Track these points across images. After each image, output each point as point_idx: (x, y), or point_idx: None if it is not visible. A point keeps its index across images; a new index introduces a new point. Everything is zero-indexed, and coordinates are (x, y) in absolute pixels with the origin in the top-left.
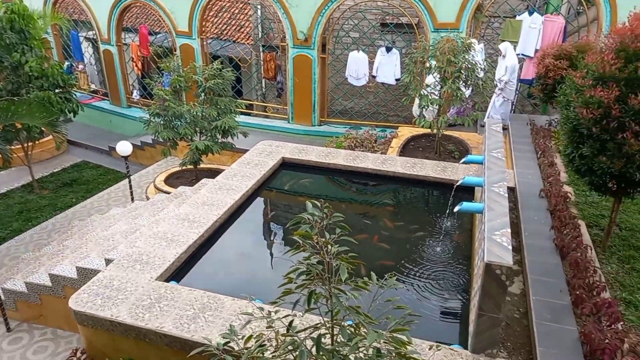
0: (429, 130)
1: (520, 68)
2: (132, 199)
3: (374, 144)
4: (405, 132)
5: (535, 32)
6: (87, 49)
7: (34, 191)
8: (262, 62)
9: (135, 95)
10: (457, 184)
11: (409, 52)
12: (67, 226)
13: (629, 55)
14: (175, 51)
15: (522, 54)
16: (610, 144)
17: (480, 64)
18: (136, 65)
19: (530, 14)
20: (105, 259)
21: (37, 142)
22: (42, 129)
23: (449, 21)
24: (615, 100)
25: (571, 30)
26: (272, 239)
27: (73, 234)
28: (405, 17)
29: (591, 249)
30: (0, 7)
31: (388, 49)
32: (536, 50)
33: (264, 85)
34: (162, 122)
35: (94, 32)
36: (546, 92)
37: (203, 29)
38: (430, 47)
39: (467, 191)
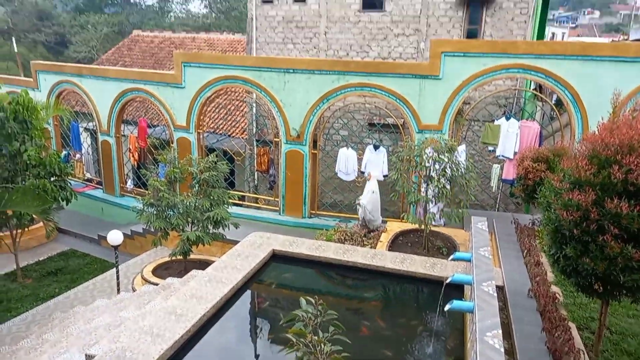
0: (416, 226)
1: (502, 169)
2: (118, 290)
3: (364, 238)
4: (394, 226)
5: (513, 136)
6: (85, 139)
7: (16, 280)
8: (255, 156)
9: (129, 184)
10: (447, 281)
11: (396, 150)
12: (48, 318)
13: (601, 162)
14: (172, 143)
15: (502, 156)
16: (592, 245)
17: (462, 163)
18: (133, 156)
19: (507, 119)
20: (85, 355)
21: (26, 229)
22: (34, 216)
23: (432, 123)
24: (593, 204)
25: (547, 134)
26: (262, 335)
27: (53, 327)
28: (391, 118)
29: (584, 354)
30: (5, 98)
31: (376, 147)
32: (515, 153)
33: (256, 177)
34: (155, 212)
35: (94, 123)
36: (527, 192)
37: (200, 123)
38: (416, 147)
39: (457, 288)
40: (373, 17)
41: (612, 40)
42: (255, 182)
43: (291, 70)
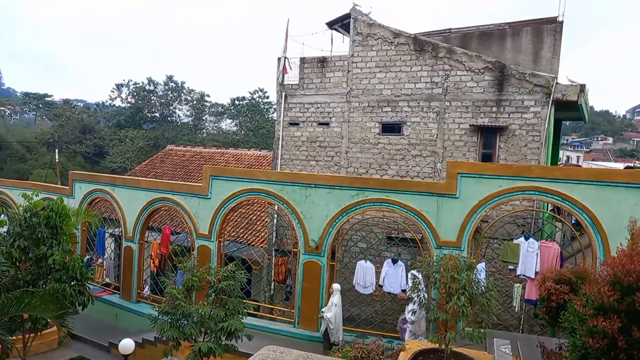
0: (436, 345)
1: (523, 288)
2: None
3: (381, 356)
4: (413, 345)
5: (533, 256)
6: (110, 244)
7: None
8: (273, 265)
9: (147, 290)
10: None
11: (414, 265)
12: None
13: (624, 288)
14: (192, 251)
15: (523, 275)
16: None
17: (482, 282)
18: (153, 262)
19: (527, 238)
20: None
21: (39, 333)
22: (48, 320)
23: (450, 240)
24: (619, 331)
25: (567, 255)
26: None
27: None
28: (409, 232)
29: None
30: (40, 205)
31: (394, 261)
32: (536, 272)
33: (273, 287)
34: (169, 321)
35: (120, 229)
36: (551, 314)
37: (222, 232)
38: (434, 264)
39: None
40: (392, 140)
41: (627, 166)
42: (272, 291)
43: (313, 185)
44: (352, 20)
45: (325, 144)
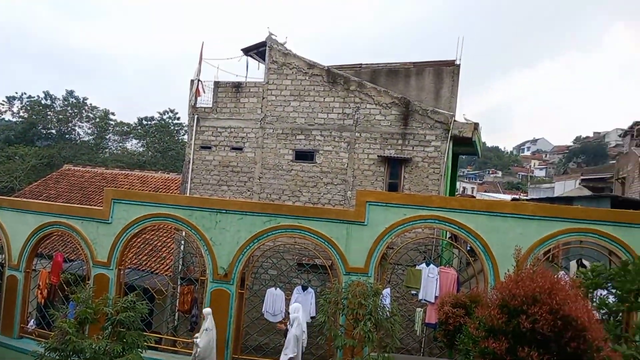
0: None
1: (424, 312)
2: None
3: None
4: None
5: (433, 281)
6: None
7: None
8: (178, 295)
9: (32, 324)
10: None
11: (324, 292)
12: None
13: (511, 311)
14: (88, 280)
15: (424, 300)
16: None
17: (387, 307)
18: (41, 293)
19: (428, 264)
20: None
21: None
22: None
23: (359, 266)
24: (507, 352)
25: (463, 279)
26: None
27: None
28: (320, 259)
29: None
30: None
31: (304, 288)
32: (436, 297)
33: (177, 318)
34: (57, 358)
35: (2, 256)
36: (448, 337)
37: (123, 260)
38: (343, 290)
39: None
40: (305, 167)
41: (513, 198)
42: (176, 322)
43: (223, 211)
44: (267, 48)
45: (238, 169)
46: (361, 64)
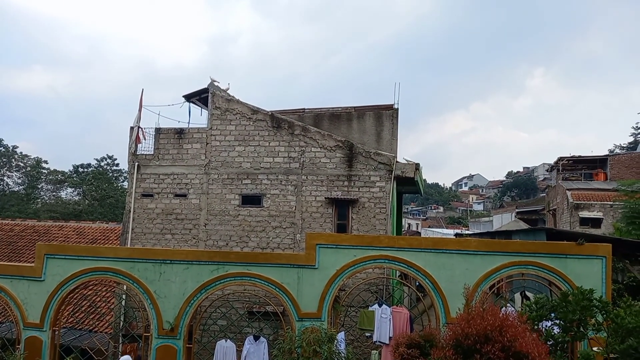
0: None
1: (379, 354)
2: None
3: None
4: None
5: (387, 322)
6: None
7: None
8: (120, 353)
9: None
10: None
11: (277, 341)
12: None
13: (464, 351)
14: (18, 344)
15: (379, 341)
16: None
17: (343, 352)
18: None
19: (380, 305)
20: None
21: None
22: None
23: (311, 311)
24: None
25: (415, 316)
26: None
27: None
28: (271, 306)
29: None
30: None
31: (256, 338)
32: (390, 338)
33: None
34: None
35: None
36: None
37: (57, 319)
38: (297, 338)
39: None
40: (252, 212)
41: (456, 233)
42: None
43: (168, 261)
44: (210, 94)
45: (183, 216)
46: (304, 109)
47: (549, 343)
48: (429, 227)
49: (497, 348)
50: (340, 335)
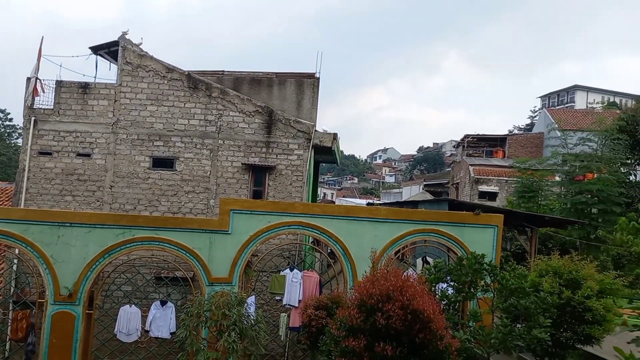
0: None
1: (289, 317)
2: None
3: None
4: None
5: (297, 285)
6: None
7: None
8: (10, 321)
9: None
10: None
11: (185, 305)
12: None
13: (368, 310)
14: None
15: (289, 304)
16: None
17: (252, 315)
18: None
19: (291, 270)
20: None
21: None
22: None
23: (222, 276)
24: (365, 349)
25: (324, 281)
26: None
27: None
28: (180, 271)
29: None
30: None
31: (163, 303)
32: (299, 301)
33: (8, 348)
34: None
35: None
36: (311, 339)
37: None
38: (206, 302)
39: None
40: (163, 175)
41: (368, 202)
42: (7, 353)
43: (67, 224)
44: (120, 48)
45: (86, 177)
46: (223, 71)
47: (443, 302)
48: (344, 197)
49: (397, 306)
50: (251, 299)
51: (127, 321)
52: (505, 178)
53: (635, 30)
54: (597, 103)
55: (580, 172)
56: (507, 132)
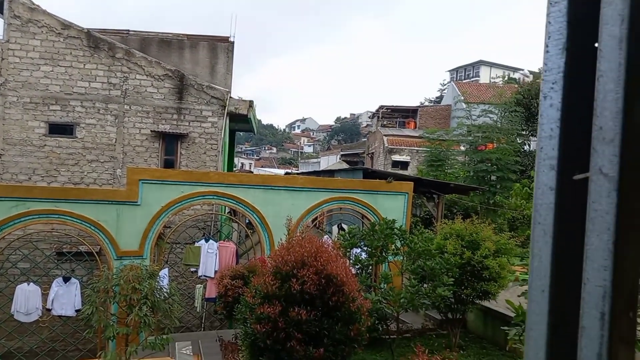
0: None
1: (204, 288)
2: None
3: None
4: None
5: (212, 256)
6: None
7: None
8: None
9: None
10: None
11: (91, 281)
12: None
13: (283, 276)
14: None
15: (204, 275)
16: (282, 353)
17: (165, 288)
18: None
19: (207, 240)
20: None
21: None
22: None
23: (132, 249)
24: (280, 314)
25: (243, 252)
26: None
27: None
28: (85, 245)
29: None
30: None
31: (66, 279)
32: (215, 272)
33: None
34: None
35: None
36: (228, 309)
37: None
38: (114, 276)
39: None
40: (62, 143)
41: (286, 172)
42: None
43: None
44: (6, 0)
45: None
46: (128, 31)
47: (357, 267)
48: (262, 167)
49: (312, 272)
50: (164, 272)
51: (26, 300)
52: (416, 148)
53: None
54: (499, 78)
55: (482, 142)
56: (419, 104)
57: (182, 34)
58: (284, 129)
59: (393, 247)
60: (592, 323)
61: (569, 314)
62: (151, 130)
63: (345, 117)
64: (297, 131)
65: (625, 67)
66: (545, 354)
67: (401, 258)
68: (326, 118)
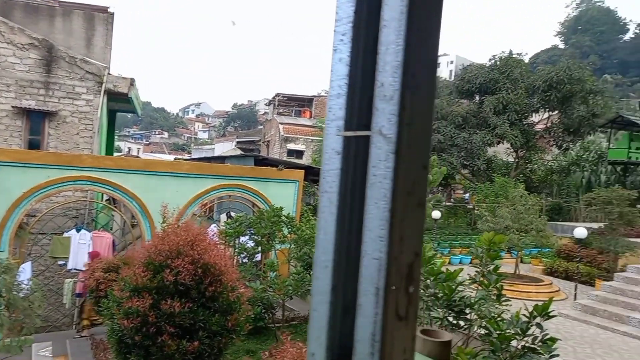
0: None
1: (75, 282)
2: None
3: None
4: None
5: (85, 248)
6: None
7: None
8: None
9: None
10: None
11: None
12: None
13: (156, 267)
14: None
15: (75, 269)
16: (153, 348)
17: (25, 283)
18: None
19: (78, 230)
20: None
21: None
22: None
23: None
24: (151, 308)
25: (126, 244)
26: None
27: None
28: None
29: None
30: None
31: None
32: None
33: None
34: None
35: None
36: (100, 304)
37: None
38: None
39: None
40: None
41: (176, 158)
42: None
43: None
44: None
45: None
46: None
47: (242, 255)
48: (152, 152)
49: (187, 261)
50: (26, 266)
51: None
52: (311, 137)
53: None
54: None
55: None
56: (315, 94)
57: (53, 0)
58: (177, 113)
59: (281, 234)
60: (367, 300)
61: (353, 291)
62: (12, 106)
63: (242, 104)
64: (191, 116)
65: (407, 16)
66: (327, 338)
67: (289, 246)
68: (222, 104)
